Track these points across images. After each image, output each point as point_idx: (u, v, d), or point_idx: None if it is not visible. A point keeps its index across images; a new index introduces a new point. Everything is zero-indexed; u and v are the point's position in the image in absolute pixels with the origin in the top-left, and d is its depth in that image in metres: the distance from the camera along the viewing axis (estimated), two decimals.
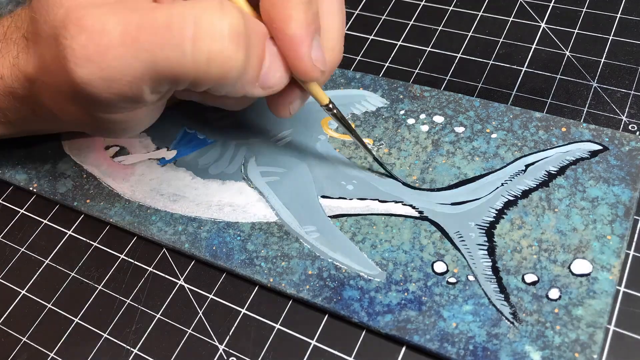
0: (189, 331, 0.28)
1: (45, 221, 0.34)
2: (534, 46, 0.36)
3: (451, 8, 0.39)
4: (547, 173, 0.30)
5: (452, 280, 0.27)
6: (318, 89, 0.27)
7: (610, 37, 0.36)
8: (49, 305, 0.30)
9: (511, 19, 0.38)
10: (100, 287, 0.31)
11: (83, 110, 0.25)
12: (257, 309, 0.29)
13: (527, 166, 0.30)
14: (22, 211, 0.34)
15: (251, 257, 0.29)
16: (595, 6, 0.37)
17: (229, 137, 0.34)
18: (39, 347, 0.29)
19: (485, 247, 0.28)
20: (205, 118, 0.36)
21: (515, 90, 0.34)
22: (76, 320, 0.30)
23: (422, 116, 0.33)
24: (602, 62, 0.35)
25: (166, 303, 0.29)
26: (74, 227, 0.33)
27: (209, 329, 0.28)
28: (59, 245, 0.33)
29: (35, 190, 0.34)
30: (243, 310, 0.29)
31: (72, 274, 0.31)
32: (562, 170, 0.30)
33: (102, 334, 0.29)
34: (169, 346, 0.28)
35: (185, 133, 0.35)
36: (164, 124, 0.36)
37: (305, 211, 0.31)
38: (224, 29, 0.22)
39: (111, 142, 0.36)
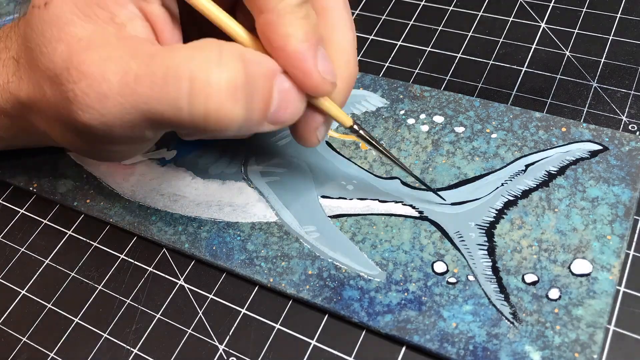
0: (189, 331, 0.28)
1: (45, 221, 0.34)
2: (534, 46, 0.36)
3: (451, 8, 0.39)
4: (547, 173, 0.30)
5: (452, 280, 0.27)
6: (338, 110, 0.26)
7: (610, 37, 0.36)
8: (49, 305, 0.30)
9: (511, 19, 0.38)
10: (100, 287, 0.31)
11: (83, 140, 0.25)
12: (257, 309, 0.29)
13: (527, 166, 0.30)
14: (22, 211, 0.34)
15: (251, 257, 0.29)
16: (595, 6, 0.37)
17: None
18: (39, 347, 0.29)
19: (485, 247, 0.28)
20: None
21: (515, 90, 0.34)
22: (76, 320, 0.30)
23: (422, 116, 0.33)
24: (602, 62, 0.35)
25: (166, 303, 0.29)
26: (74, 227, 0.33)
27: (209, 329, 0.28)
28: (59, 245, 0.33)
29: (35, 190, 0.34)
30: (243, 310, 0.29)
31: (72, 274, 0.31)
32: (562, 170, 0.30)
33: (102, 334, 0.29)
34: (169, 346, 0.28)
35: None
36: None
37: (305, 211, 0.31)
38: (220, 84, 0.21)
39: None
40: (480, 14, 0.39)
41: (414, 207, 0.30)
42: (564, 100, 0.33)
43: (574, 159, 0.30)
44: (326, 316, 0.28)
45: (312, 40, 0.23)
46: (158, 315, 0.29)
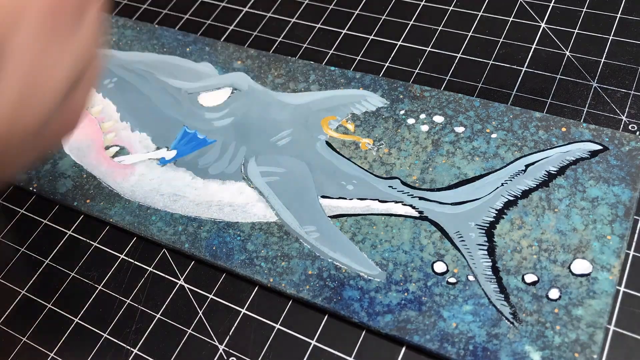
0: (189, 331, 0.28)
1: (45, 221, 0.34)
2: (534, 46, 0.36)
3: (451, 8, 0.39)
4: (547, 173, 0.30)
5: (452, 280, 0.27)
6: None
7: (610, 37, 0.36)
8: (49, 305, 0.30)
9: (511, 19, 0.38)
10: (100, 287, 0.31)
11: None
12: (257, 309, 0.29)
13: (527, 166, 0.30)
14: (22, 211, 0.34)
15: (251, 257, 0.29)
16: (595, 6, 0.37)
17: (229, 137, 0.34)
18: (39, 347, 0.29)
19: (485, 247, 0.28)
20: (205, 118, 0.36)
21: (515, 90, 0.34)
22: (76, 320, 0.30)
23: (422, 116, 0.33)
24: (602, 62, 0.35)
25: (166, 303, 0.29)
26: (74, 227, 0.33)
27: (209, 329, 0.28)
28: (59, 245, 0.33)
29: (35, 190, 0.34)
30: (243, 310, 0.29)
31: (72, 274, 0.31)
32: (562, 170, 0.30)
33: (102, 334, 0.29)
34: (169, 346, 0.28)
35: (185, 133, 0.35)
36: (164, 124, 0.36)
37: (305, 211, 0.31)
38: None
39: (111, 142, 0.36)
40: (480, 14, 0.39)
41: (414, 207, 0.30)
42: (564, 100, 0.33)
43: (574, 159, 0.30)
44: (326, 316, 0.28)
45: None
46: (158, 315, 0.29)
